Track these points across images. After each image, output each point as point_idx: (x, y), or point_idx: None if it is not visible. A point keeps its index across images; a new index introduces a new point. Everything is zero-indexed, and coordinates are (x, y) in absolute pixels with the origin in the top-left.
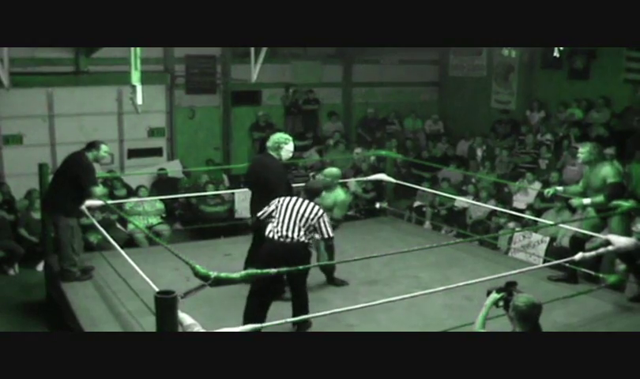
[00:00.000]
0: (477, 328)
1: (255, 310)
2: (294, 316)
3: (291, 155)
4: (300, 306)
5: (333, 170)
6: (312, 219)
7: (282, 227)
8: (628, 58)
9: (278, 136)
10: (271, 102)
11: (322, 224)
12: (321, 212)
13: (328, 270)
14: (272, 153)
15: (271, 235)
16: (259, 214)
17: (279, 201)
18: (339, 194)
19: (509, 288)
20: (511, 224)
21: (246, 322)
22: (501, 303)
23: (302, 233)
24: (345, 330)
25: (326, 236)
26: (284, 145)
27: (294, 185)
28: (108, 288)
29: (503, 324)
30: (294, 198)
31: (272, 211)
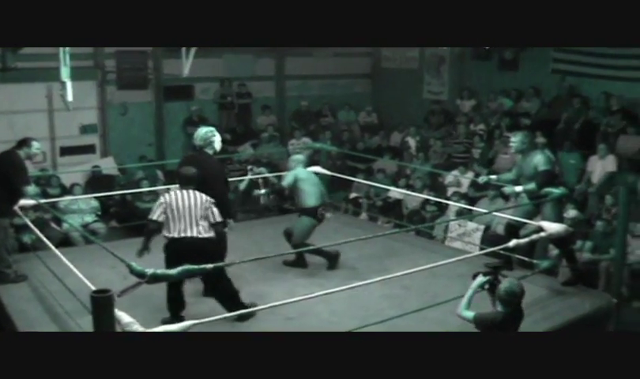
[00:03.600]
0: (462, 309)
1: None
2: (228, 310)
3: (220, 145)
4: (227, 298)
5: (298, 156)
6: (202, 208)
7: (179, 225)
8: (555, 49)
9: (205, 131)
10: (204, 96)
11: (213, 209)
12: (206, 197)
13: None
14: (207, 150)
15: (172, 235)
16: (152, 216)
17: (165, 199)
18: (299, 172)
19: (495, 271)
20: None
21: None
22: (487, 286)
23: (200, 228)
24: (284, 323)
25: (214, 221)
26: (213, 138)
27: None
28: (44, 289)
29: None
30: (179, 193)
31: (163, 210)
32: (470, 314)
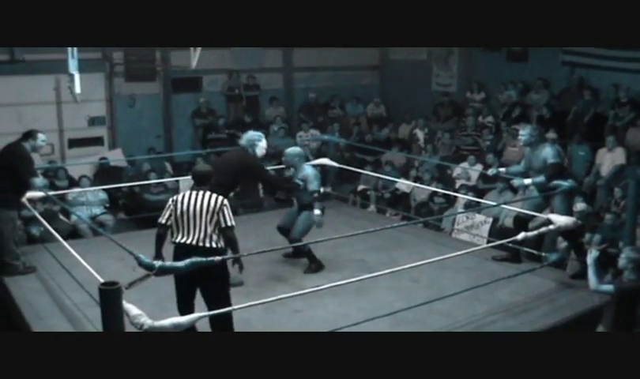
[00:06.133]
0: (596, 284)
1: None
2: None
3: (265, 151)
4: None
5: (295, 149)
6: (216, 209)
7: (184, 230)
8: None
9: (252, 134)
10: (212, 88)
11: (225, 212)
12: (220, 199)
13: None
14: (248, 149)
15: (177, 241)
16: (160, 219)
17: (175, 200)
18: (306, 170)
19: (607, 245)
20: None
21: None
22: (602, 258)
23: (208, 232)
24: (292, 315)
25: (226, 225)
26: (258, 142)
27: None
28: (53, 281)
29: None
30: (188, 193)
31: (171, 212)
32: (610, 287)
